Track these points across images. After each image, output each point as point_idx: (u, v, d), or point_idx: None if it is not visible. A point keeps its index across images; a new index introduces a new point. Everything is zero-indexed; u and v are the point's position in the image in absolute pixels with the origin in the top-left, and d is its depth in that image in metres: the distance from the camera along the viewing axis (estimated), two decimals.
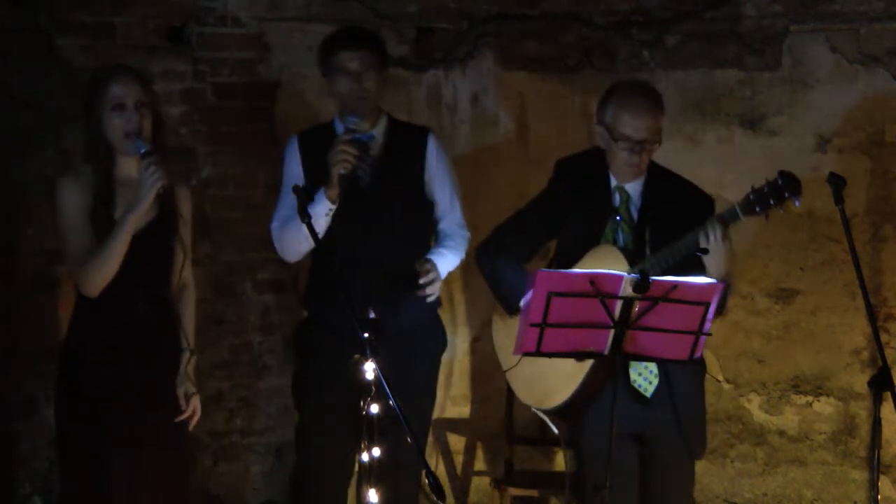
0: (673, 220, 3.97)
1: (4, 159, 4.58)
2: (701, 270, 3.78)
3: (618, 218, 4.06)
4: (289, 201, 4.14)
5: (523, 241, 4.21)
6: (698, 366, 4.10)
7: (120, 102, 3.84)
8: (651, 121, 4.01)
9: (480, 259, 4.26)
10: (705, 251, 3.89)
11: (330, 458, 4.33)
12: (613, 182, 4.10)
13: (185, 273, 4.04)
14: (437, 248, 4.32)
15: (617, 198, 4.09)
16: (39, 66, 4.71)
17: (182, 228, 3.98)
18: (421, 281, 4.13)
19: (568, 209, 4.13)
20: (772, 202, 3.76)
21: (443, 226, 4.38)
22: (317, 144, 4.26)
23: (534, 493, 5.22)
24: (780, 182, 3.75)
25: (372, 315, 4.08)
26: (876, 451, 3.71)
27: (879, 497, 3.90)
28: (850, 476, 5.29)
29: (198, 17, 5.13)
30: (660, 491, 4.15)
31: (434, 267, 4.17)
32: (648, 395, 4.04)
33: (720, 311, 4.02)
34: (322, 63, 4.31)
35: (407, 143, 4.34)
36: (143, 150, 3.82)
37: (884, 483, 5.21)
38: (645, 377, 4.04)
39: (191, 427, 4.07)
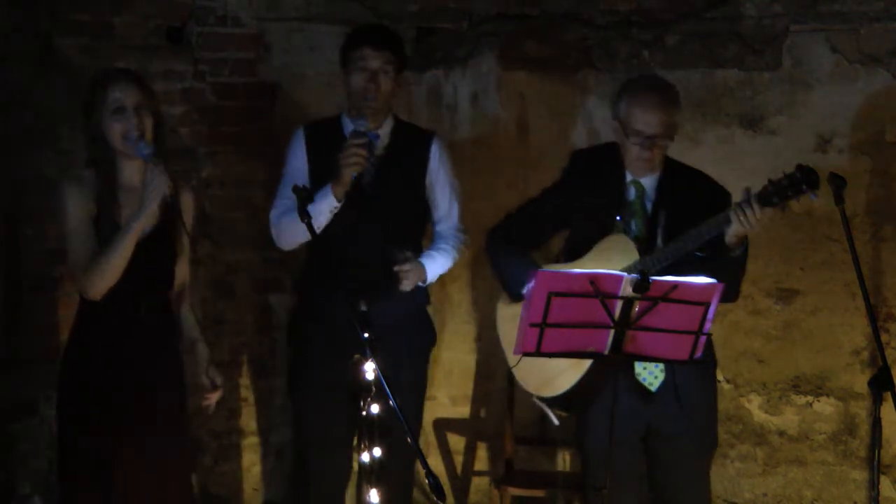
0: (687, 212, 3.97)
1: (4, 159, 4.57)
2: (700, 270, 3.77)
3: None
4: (289, 192, 4.13)
5: (534, 229, 4.24)
6: (707, 362, 4.12)
7: (119, 106, 3.84)
8: (662, 116, 4.01)
9: (489, 243, 4.29)
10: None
11: (329, 457, 4.35)
12: (629, 177, 4.10)
13: (182, 272, 4.06)
14: (428, 251, 4.39)
15: (632, 192, 4.09)
16: (39, 66, 4.70)
17: (185, 232, 3.98)
18: (395, 268, 4.20)
19: (581, 200, 4.13)
20: (789, 194, 3.77)
21: (439, 228, 4.44)
22: (322, 139, 4.30)
23: (534, 493, 5.21)
24: (798, 175, 3.76)
25: (363, 308, 4.11)
26: (876, 451, 3.71)
27: (879, 497, 3.90)
28: (850, 476, 5.29)
29: (198, 17, 5.13)
30: (669, 490, 4.15)
31: (412, 259, 4.24)
32: (654, 389, 4.04)
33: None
34: (342, 55, 4.33)
35: (411, 145, 4.35)
36: (146, 154, 3.82)
37: (884, 483, 5.20)
38: (650, 371, 4.03)
39: (213, 407, 4.11)
